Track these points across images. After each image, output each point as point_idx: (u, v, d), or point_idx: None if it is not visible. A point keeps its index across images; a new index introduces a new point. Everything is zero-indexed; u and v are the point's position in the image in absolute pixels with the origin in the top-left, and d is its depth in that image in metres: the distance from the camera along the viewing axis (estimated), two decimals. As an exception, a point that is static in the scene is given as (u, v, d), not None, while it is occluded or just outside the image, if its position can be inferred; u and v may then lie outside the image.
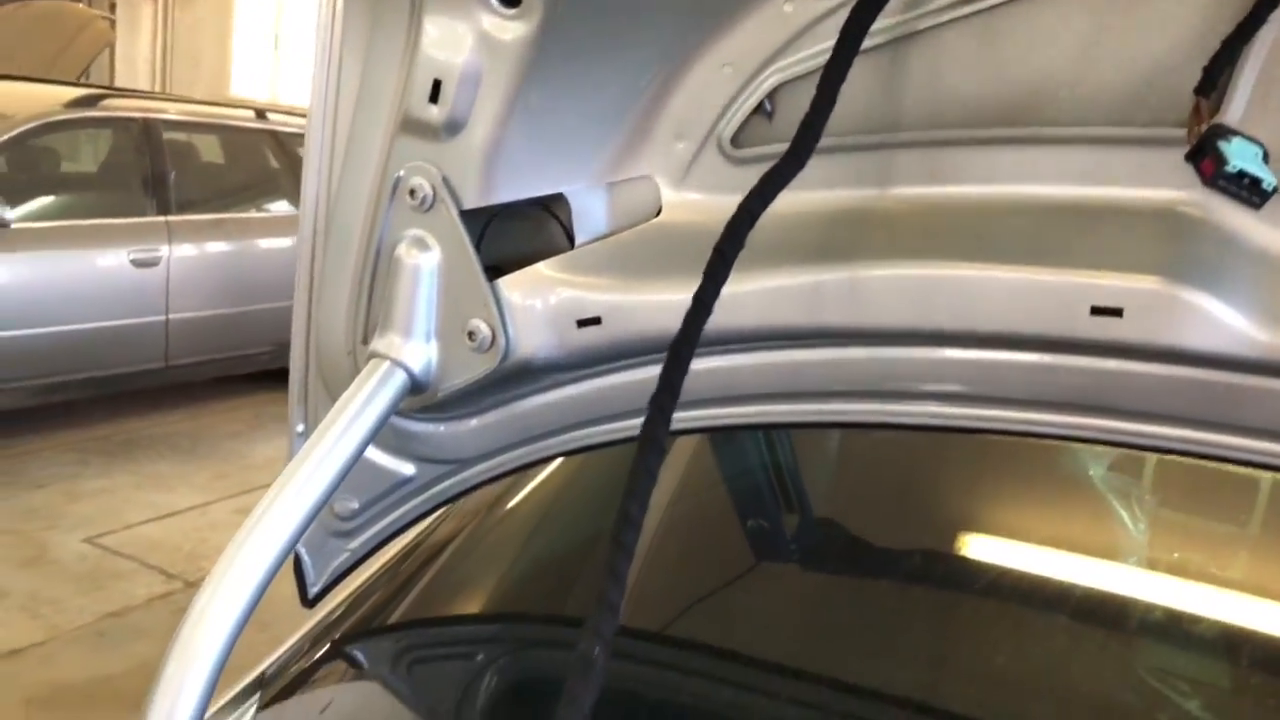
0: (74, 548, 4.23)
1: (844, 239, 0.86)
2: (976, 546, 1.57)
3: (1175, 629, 1.39)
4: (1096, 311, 0.78)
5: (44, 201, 5.46)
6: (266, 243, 6.10)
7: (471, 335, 0.94)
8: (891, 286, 0.84)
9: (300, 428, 1.08)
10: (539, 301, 0.93)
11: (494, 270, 0.94)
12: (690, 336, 0.77)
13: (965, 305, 0.82)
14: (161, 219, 5.57)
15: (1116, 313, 0.77)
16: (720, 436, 1.58)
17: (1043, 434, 0.87)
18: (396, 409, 0.95)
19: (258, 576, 0.85)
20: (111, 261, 5.29)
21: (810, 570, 1.58)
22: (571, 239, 0.96)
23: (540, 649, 1.21)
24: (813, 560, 1.58)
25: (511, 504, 1.39)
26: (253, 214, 6.30)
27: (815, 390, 0.91)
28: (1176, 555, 1.65)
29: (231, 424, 5.80)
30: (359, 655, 1.17)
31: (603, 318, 0.92)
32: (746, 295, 0.86)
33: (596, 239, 0.95)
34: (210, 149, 6.49)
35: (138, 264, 5.36)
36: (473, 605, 1.30)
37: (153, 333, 5.44)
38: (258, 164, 6.62)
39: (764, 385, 0.93)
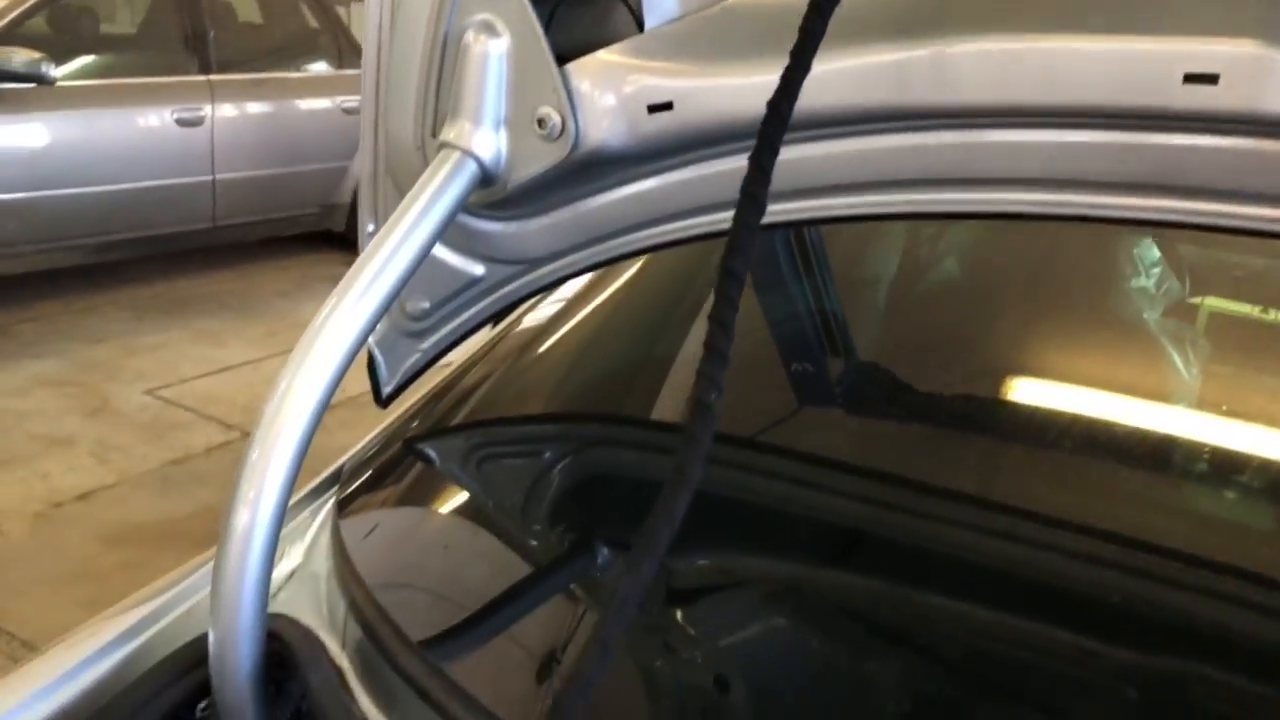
0: (135, 399, 4.37)
1: (929, 12, 0.84)
2: (1025, 390, 1.57)
3: (1225, 475, 1.39)
4: (1190, 79, 0.75)
5: (86, 60, 5.43)
6: (307, 103, 6.07)
7: (541, 123, 0.93)
8: (976, 61, 0.81)
9: (370, 228, 1.09)
10: (608, 88, 0.92)
11: (562, 57, 0.93)
12: (780, 118, 0.75)
13: (1051, 78, 0.80)
14: (203, 78, 5.54)
15: (1212, 79, 0.74)
16: (762, 282, 1.57)
17: (1127, 219, 0.85)
18: (466, 201, 0.96)
19: (333, 366, 0.86)
20: (155, 121, 5.29)
21: (854, 415, 1.59)
22: (641, 23, 0.94)
23: (606, 448, 1.24)
24: (857, 405, 1.59)
25: (580, 306, 1.41)
26: (293, 74, 6.24)
27: (897, 179, 0.90)
28: (1231, 403, 1.64)
29: (280, 283, 5.88)
30: (430, 453, 1.21)
31: (674, 102, 0.91)
32: (828, 75, 0.84)
33: (667, 22, 0.93)
34: (248, 9, 6.40)
35: (182, 123, 5.37)
36: (541, 406, 1.33)
37: (199, 192, 5.48)
38: (297, 24, 6.53)
39: (844, 175, 0.91)
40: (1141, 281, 1.84)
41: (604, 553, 1.16)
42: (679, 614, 1.27)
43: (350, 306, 0.87)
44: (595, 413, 1.31)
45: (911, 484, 1.18)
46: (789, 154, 0.88)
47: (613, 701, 1.05)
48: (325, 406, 0.88)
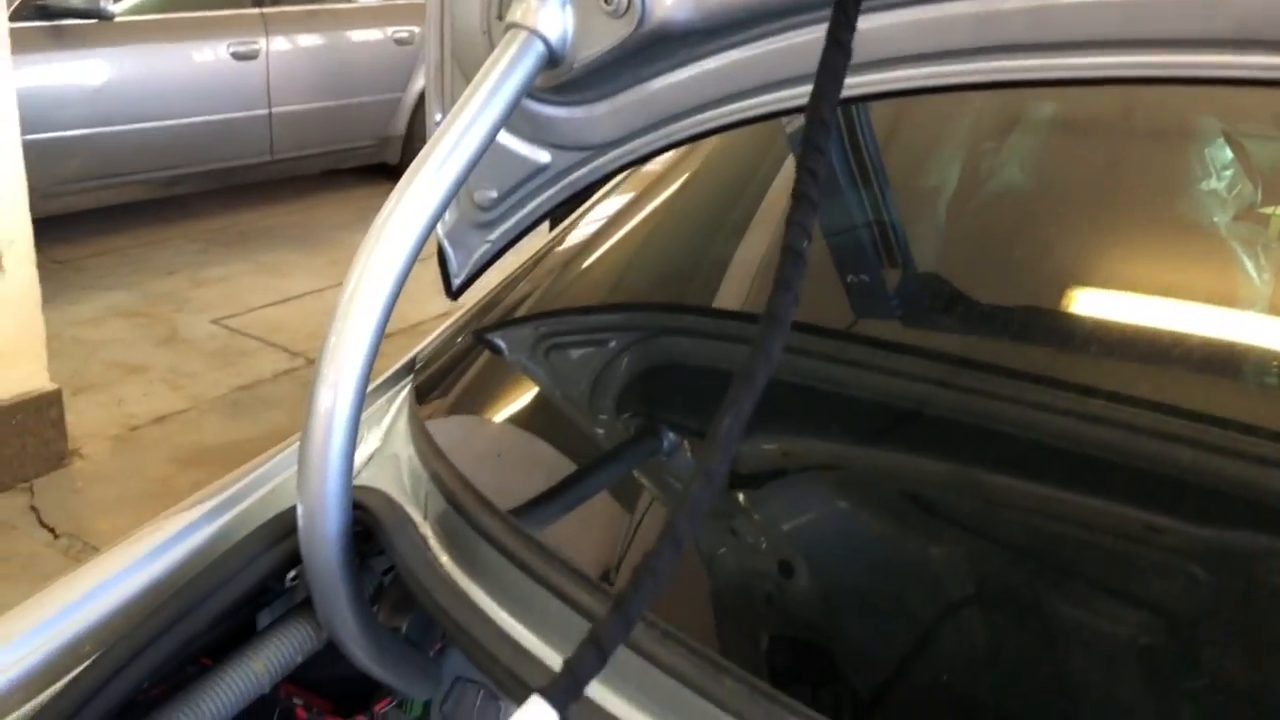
0: (203, 328, 4.48)
1: None
2: (1090, 299, 1.55)
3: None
4: None
5: (140, -4, 5.49)
6: (360, 35, 6.07)
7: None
8: None
9: (438, 118, 1.10)
10: (675, -40, 0.91)
11: (628, -69, 0.92)
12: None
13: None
14: (256, 11, 5.56)
15: None
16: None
17: (1212, 78, 0.83)
18: (533, 83, 0.96)
19: (405, 252, 0.88)
20: (211, 55, 5.34)
21: (912, 327, 1.57)
22: (707, -105, 0.93)
23: (672, 336, 1.26)
24: (915, 317, 1.57)
25: (645, 199, 1.42)
26: (344, 5, 6.24)
27: (971, 47, 0.88)
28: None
29: (339, 215, 5.95)
30: (500, 343, 1.23)
31: None
32: None
33: (733, -107, 0.92)
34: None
35: (238, 57, 5.41)
36: (606, 297, 1.35)
37: (256, 126, 5.54)
38: (347, -48, 6.50)
39: (916, 45, 0.90)
40: (1212, 184, 1.79)
41: (669, 436, 1.18)
42: (744, 499, 1.29)
43: (419, 192, 0.88)
44: (657, 302, 1.32)
45: (973, 364, 1.18)
46: (860, 24, 0.87)
47: (681, 586, 1.08)
48: (399, 291, 0.90)
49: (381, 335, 0.90)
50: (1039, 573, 1.20)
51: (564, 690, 0.58)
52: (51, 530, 3.09)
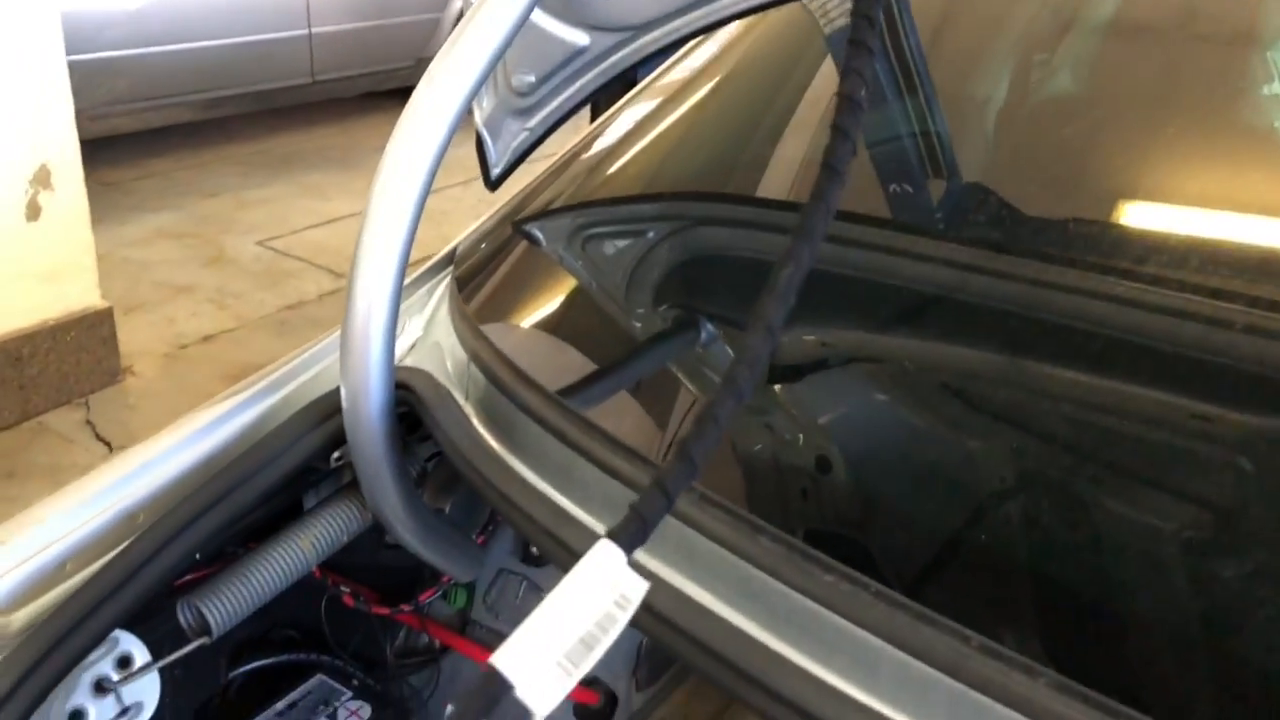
0: (248, 250, 4.52)
1: None
2: (1143, 214, 1.50)
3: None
4: None
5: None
6: (399, -48, 5.99)
7: None
8: None
9: (476, -2, 1.09)
10: None
11: None
12: None
13: None
14: (294, -72, 5.50)
15: None
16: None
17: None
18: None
19: (440, 131, 0.87)
20: (251, -26, 5.31)
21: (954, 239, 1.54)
22: None
23: (712, 227, 1.25)
24: (958, 228, 1.54)
25: (685, 90, 1.40)
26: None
27: None
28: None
29: (379, 138, 5.91)
30: (538, 233, 1.23)
31: None
32: None
33: None
34: None
35: (276, -24, 5.37)
36: (648, 188, 1.34)
37: (297, 47, 5.52)
38: None
39: None
40: (1275, 88, 1.73)
41: (707, 327, 1.18)
42: (782, 393, 1.29)
43: (455, 66, 0.86)
44: (696, 191, 1.31)
45: (1017, 252, 1.16)
46: None
47: (716, 483, 1.08)
48: (436, 168, 0.90)
49: (420, 212, 0.90)
50: (1082, 465, 1.19)
51: (631, 533, 0.59)
52: (107, 444, 3.17)
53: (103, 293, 3.36)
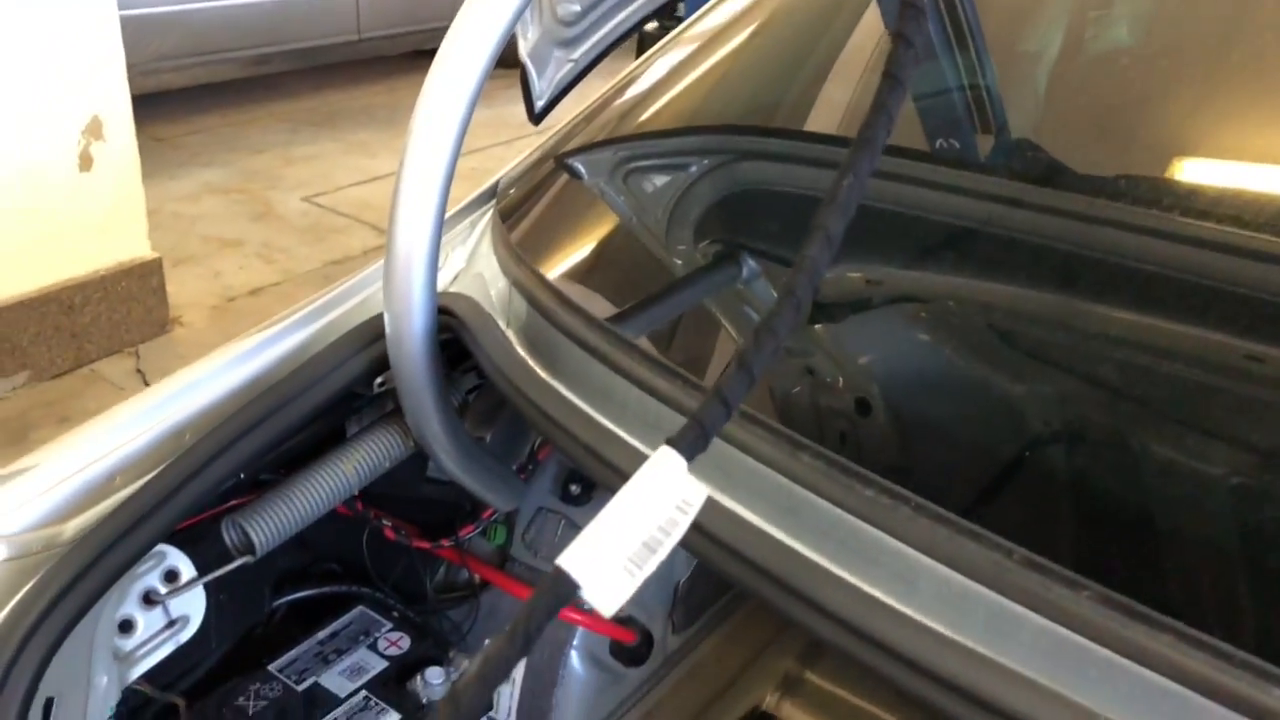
0: (295, 205, 4.56)
1: None
2: (1200, 169, 1.46)
3: None
4: None
5: None
6: (446, -90, 5.97)
7: None
8: None
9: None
10: None
11: None
12: None
13: None
14: (343, -115, 5.50)
15: None
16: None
17: None
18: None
19: (482, 56, 0.86)
20: (299, -70, 5.32)
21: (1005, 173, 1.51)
22: None
23: (755, 161, 1.24)
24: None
25: (731, 20, 1.38)
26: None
27: None
28: None
29: (425, 97, 5.94)
30: (580, 167, 1.23)
31: None
32: None
33: None
34: None
35: (324, -67, 5.38)
36: (691, 123, 1.33)
37: (344, 4, 5.54)
38: None
39: None
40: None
41: (749, 263, 1.17)
42: (824, 333, 1.28)
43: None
44: (741, 125, 1.30)
45: (1066, 186, 1.14)
46: None
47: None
48: (478, 94, 0.89)
49: (463, 135, 0.90)
50: (1130, 409, 1.17)
51: (691, 441, 0.59)
52: (156, 391, 3.23)
53: (152, 245, 3.41)
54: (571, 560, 0.57)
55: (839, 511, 0.68)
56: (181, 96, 5.36)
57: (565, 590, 0.57)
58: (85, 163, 3.13)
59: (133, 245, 3.34)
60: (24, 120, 2.94)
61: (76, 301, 3.21)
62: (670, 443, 0.60)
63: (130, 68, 3.21)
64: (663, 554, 0.58)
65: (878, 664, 0.63)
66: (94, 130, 3.12)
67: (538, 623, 0.57)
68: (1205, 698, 0.55)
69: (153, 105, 4.83)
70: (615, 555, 0.57)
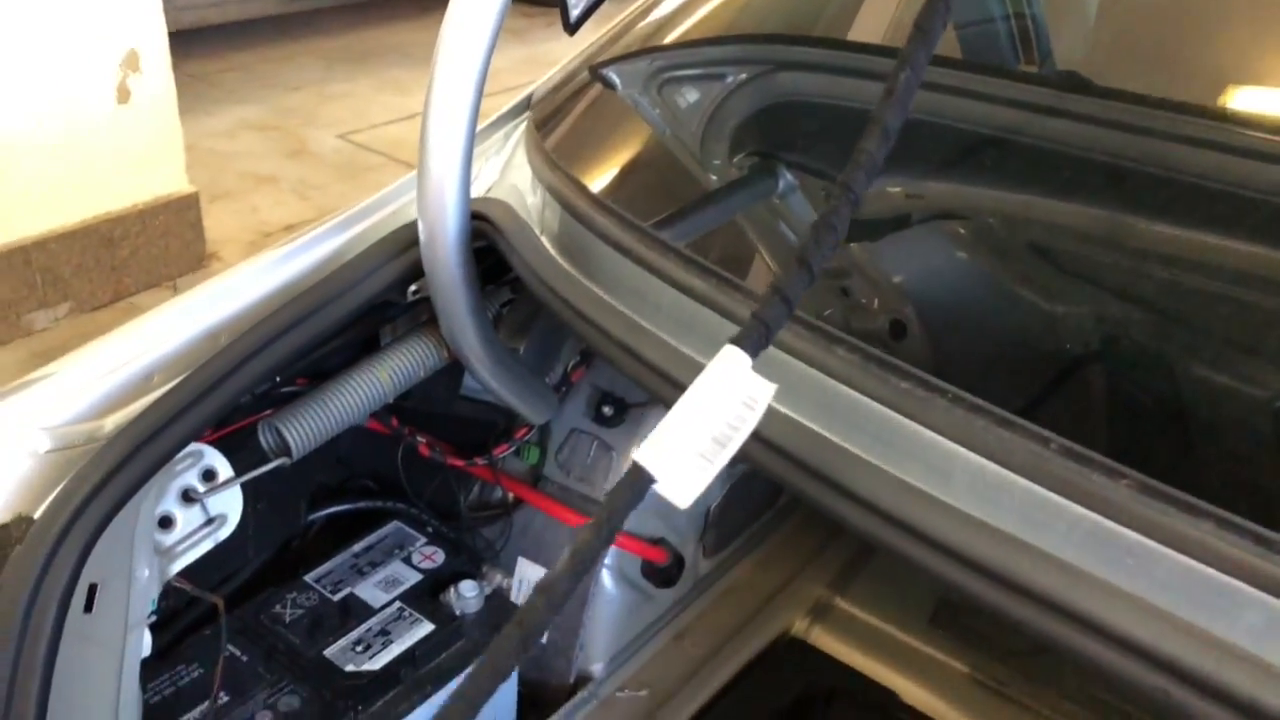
0: (329, 143, 4.56)
1: None
2: (1250, 98, 1.41)
3: None
4: None
5: None
6: None
7: None
8: None
9: None
10: None
11: None
12: None
13: None
14: None
15: None
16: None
17: None
18: None
19: None
20: None
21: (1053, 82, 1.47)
22: None
23: (794, 71, 1.22)
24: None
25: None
26: None
27: None
28: None
29: (459, 36, 5.89)
30: (615, 77, 1.21)
31: None
32: None
33: None
34: None
35: None
36: (730, 29, 1.31)
37: (379, -59, 5.48)
38: None
39: None
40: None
41: (785, 175, 1.15)
42: (860, 251, 1.26)
43: None
44: (778, 34, 1.27)
45: (1112, 96, 1.11)
46: None
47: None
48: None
49: (495, 40, 0.89)
50: (1172, 328, 1.15)
51: (754, 339, 0.60)
52: (195, 324, 3.26)
53: (189, 181, 3.43)
54: (647, 454, 0.59)
55: (873, 403, 0.68)
56: (218, 33, 5.35)
57: (642, 482, 0.58)
58: (123, 95, 3.13)
59: (170, 180, 3.35)
60: (62, 52, 2.95)
61: (116, 235, 3.24)
62: (735, 341, 0.61)
63: (166, 3, 3.21)
64: (733, 449, 0.59)
65: (913, 553, 0.62)
66: (131, 63, 3.13)
67: (619, 514, 0.59)
68: (1246, 584, 0.54)
69: (188, 42, 4.82)
70: (688, 449, 0.59)
